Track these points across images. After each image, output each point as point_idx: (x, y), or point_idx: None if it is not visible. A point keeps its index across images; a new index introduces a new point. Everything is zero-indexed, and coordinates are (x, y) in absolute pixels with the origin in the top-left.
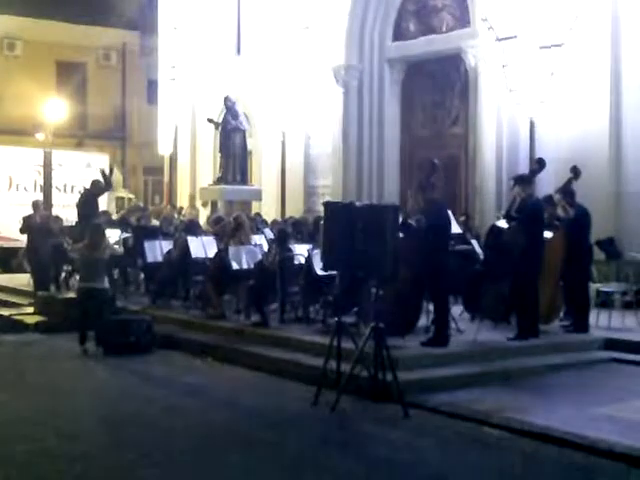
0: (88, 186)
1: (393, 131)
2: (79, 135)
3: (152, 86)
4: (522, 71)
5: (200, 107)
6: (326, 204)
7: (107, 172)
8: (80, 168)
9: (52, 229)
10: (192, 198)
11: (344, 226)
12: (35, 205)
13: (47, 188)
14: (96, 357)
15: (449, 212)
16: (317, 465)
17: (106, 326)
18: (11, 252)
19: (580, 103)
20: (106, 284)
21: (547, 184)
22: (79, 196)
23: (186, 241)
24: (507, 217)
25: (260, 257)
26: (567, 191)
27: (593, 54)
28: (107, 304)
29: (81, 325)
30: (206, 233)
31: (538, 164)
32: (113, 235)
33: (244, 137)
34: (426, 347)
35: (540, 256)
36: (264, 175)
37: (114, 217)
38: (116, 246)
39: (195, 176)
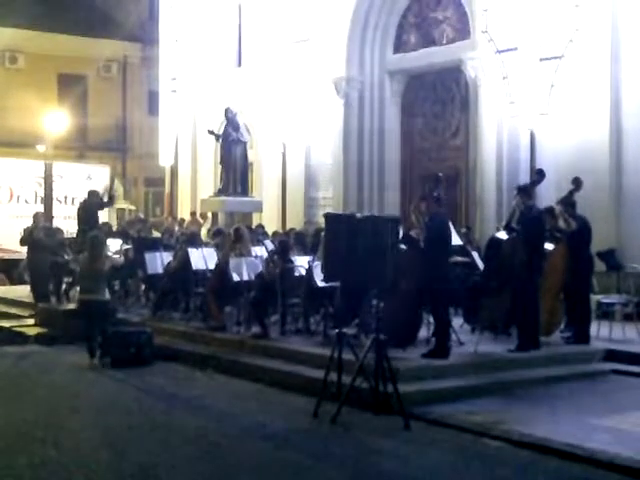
0: (86, 197)
1: (394, 143)
2: (80, 147)
3: (153, 98)
4: (522, 83)
5: (201, 119)
6: (327, 216)
7: (110, 189)
8: (81, 180)
9: (46, 242)
10: (193, 214)
11: (345, 238)
12: (36, 217)
13: (48, 200)
14: (96, 369)
15: (450, 224)
16: (317, 477)
17: (106, 338)
18: (12, 264)
19: (580, 115)
20: (107, 296)
21: (547, 195)
22: (78, 207)
23: (187, 253)
24: (507, 228)
25: (261, 269)
26: (568, 202)
27: (593, 66)
28: (108, 316)
29: (87, 338)
30: (207, 245)
31: (538, 175)
32: (114, 245)
33: (245, 149)
34: (427, 359)
35: (541, 268)
36: (265, 187)
37: (114, 229)
38: (116, 256)
39: (196, 187)
